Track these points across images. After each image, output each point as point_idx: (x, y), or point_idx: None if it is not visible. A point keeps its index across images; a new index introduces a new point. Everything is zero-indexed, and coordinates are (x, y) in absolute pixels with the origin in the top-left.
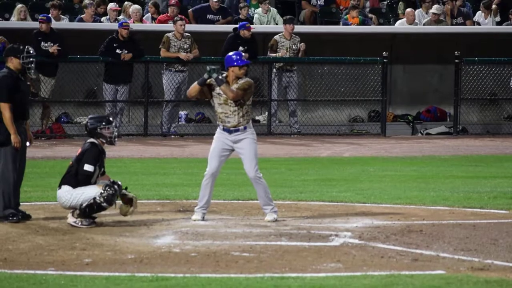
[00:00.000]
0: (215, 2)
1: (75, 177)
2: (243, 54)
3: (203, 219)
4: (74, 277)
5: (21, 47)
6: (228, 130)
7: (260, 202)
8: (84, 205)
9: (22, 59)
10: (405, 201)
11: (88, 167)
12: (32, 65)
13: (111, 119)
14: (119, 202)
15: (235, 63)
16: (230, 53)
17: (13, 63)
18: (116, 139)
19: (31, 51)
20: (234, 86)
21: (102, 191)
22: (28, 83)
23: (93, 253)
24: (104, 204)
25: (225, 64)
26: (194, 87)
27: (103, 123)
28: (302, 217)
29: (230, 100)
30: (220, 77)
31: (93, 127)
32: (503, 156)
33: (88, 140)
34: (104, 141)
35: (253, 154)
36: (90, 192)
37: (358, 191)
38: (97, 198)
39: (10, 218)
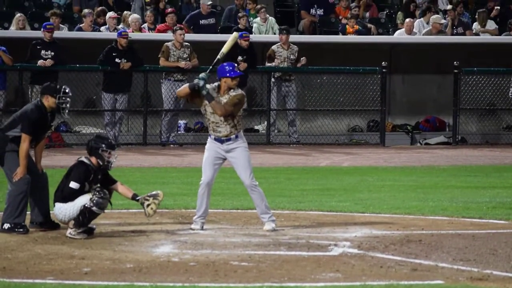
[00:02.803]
0: (207, 6)
1: (61, 193)
2: (236, 65)
3: (202, 228)
4: (73, 286)
5: (57, 87)
6: (220, 140)
7: (257, 211)
8: (77, 213)
9: (58, 98)
10: (404, 211)
11: (73, 185)
12: (67, 105)
13: (115, 145)
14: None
15: (228, 74)
16: (224, 63)
17: (48, 101)
18: (112, 165)
19: (67, 91)
20: (225, 98)
21: (92, 196)
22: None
23: (92, 262)
24: (95, 208)
25: (218, 74)
26: (185, 89)
27: (105, 146)
28: (301, 227)
29: (219, 116)
30: (210, 91)
31: (96, 146)
32: (502, 166)
33: (80, 158)
34: (101, 163)
35: (247, 162)
36: (81, 201)
37: (357, 201)
38: (87, 204)
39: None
